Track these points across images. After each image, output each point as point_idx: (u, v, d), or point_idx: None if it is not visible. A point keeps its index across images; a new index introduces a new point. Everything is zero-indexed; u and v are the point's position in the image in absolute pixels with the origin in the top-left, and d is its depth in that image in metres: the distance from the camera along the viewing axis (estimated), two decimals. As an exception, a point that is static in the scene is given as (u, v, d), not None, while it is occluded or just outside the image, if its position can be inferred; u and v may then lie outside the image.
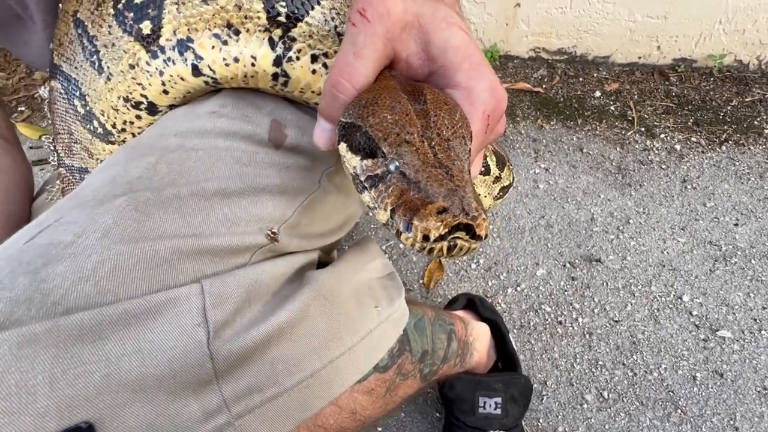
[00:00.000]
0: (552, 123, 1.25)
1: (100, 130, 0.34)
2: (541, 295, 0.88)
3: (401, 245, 0.99)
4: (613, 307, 0.86)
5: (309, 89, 0.32)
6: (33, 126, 1.52)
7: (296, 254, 0.29)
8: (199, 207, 0.25)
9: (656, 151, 1.14)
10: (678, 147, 1.15)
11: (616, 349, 0.81)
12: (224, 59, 0.30)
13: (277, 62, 0.30)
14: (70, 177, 0.40)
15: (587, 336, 0.82)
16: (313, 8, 0.29)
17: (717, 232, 0.96)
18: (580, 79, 1.36)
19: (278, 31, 0.29)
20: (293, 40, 0.30)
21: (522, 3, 1.30)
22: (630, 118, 1.23)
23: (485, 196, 0.42)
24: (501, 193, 0.46)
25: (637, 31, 1.29)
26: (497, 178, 0.42)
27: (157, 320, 0.21)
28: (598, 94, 1.31)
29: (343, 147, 0.22)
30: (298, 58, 0.30)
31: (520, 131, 1.23)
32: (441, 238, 0.17)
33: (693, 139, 1.16)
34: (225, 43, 0.29)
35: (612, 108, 1.27)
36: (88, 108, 0.34)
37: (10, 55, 1.81)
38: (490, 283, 0.91)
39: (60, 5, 0.31)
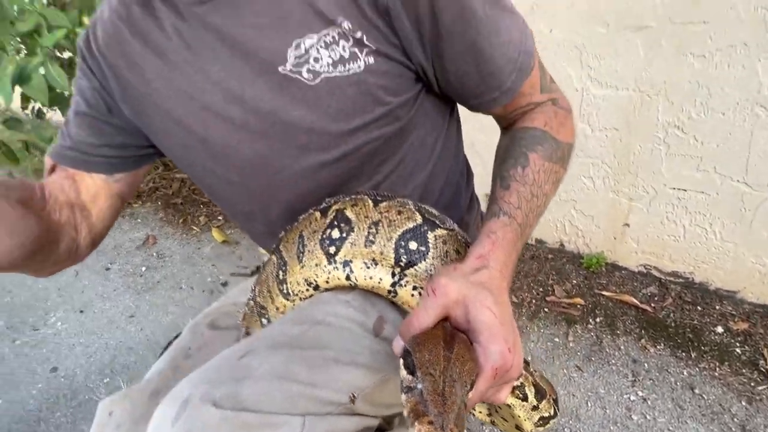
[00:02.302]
0: (658, 347, 1.18)
1: (285, 290, 0.58)
2: None
3: None
4: None
5: (407, 305, 0.50)
6: (222, 232, 2.12)
7: (364, 417, 0.43)
8: (320, 366, 0.42)
9: (800, 422, 0.95)
10: (834, 425, 0.94)
11: None
12: (365, 276, 0.51)
13: (393, 285, 0.50)
14: (254, 307, 0.64)
15: None
16: (420, 262, 0.49)
17: None
18: (698, 308, 1.29)
19: (398, 269, 0.50)
20: (405, 275, 0.50)
21: (631, 224, 1.41)
22: (763, 369, 1.08)
23: (524, 420, 0.49)
24: (541, 422, 0.53)
25: (771, 275, 1.23)
26: (535, 407, 0.50)
27: (274, 431, 0.37)
28: (720, 329, 1.21)
29: (401, 361, 0.37)
30: (404, 286, 0.50)
31: (619, 346, 1.19)
32: None
33: None
34: (368, 267, 0.51)
35: (738, 350, 1.14)
36: (284, 276, 0.58)
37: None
38: None
39: (295, 224, 0.59)
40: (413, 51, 0.47)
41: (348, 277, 0.53)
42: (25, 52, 1.38)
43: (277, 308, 0.60)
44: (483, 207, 0.71)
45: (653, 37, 1.12)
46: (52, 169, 0.59)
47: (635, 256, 1.43)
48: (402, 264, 0.50)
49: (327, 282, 0.54)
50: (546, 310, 1.35)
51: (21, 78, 1.27)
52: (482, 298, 0.38)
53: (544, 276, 1.48)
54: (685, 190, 1.25)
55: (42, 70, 1.34)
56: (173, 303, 1.61)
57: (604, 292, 1.38)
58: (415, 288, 0.50)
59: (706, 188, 1.21)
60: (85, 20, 1.35)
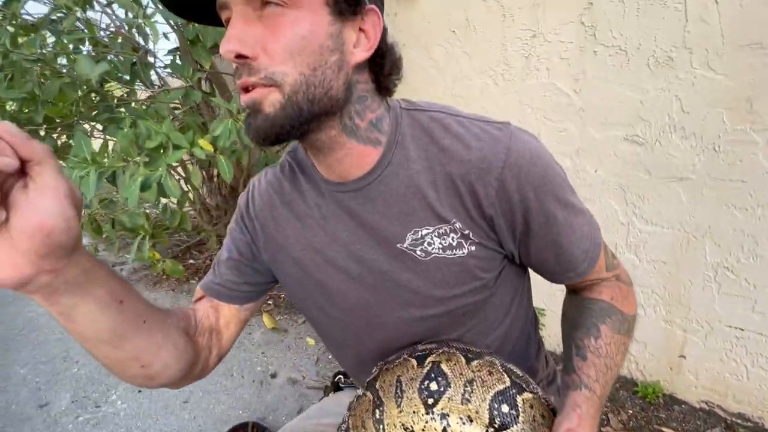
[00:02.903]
0: (734, 505, 1.09)
1: (381, 430, 0.66)
2: None
3: None
4: None
5: (500, 462, 0.56)
6: (272, 318, 2.22)
7: None
8: None
9: None
10: None
11: None
12: (460, 430, 0.59)
13: (488, 442, 0.57)
14: (348, 439, 0.71)
15: None
16: (512, 425, 0.57)
17: None
18: (774, 460, 1.20)
19: (491, 429, 0.57)
20: (498, 437, 0.57)
21: (687, 356, 1.39)
22: None
23: None
24: None
25: None
26: None
27: None
28: (803, 491, 1.11)
29: None
30: (498, 445, 0.57)
31: (689, 499, 1.11)
32: None
33: None
34: (464, 423, 0.59)
35: None
36: (381, 416, 0.66)
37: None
38: None
39: (388, 365, 0.68)
40: (506, 243, 0.60)
41: (444, 430, 0.60)
42: (147, 160, 1.69)
43: (373, 445, 0.67)
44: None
45: (694, 187, 1.24)
46: (200, 298, 0.73)
47: (695, 390, 1.39)
48: (496, 425, 0.58)
49: (423, 429, 0.62)
50: (602, 443, 1.30)
51: (143, 186, 1.55)
52: None
53: (597, 402, 1.44)
54: (743, 330, 1.25)
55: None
56: (224, 391, 1.67)
57: (664, 429, 1.32)
58: (507, 450, 0.56)
59: (765, 330, 1.22)
60: (199, 141, 1.66)
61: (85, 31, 1.72)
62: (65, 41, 1.81)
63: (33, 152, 0.31)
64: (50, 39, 2.00)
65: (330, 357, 1.84)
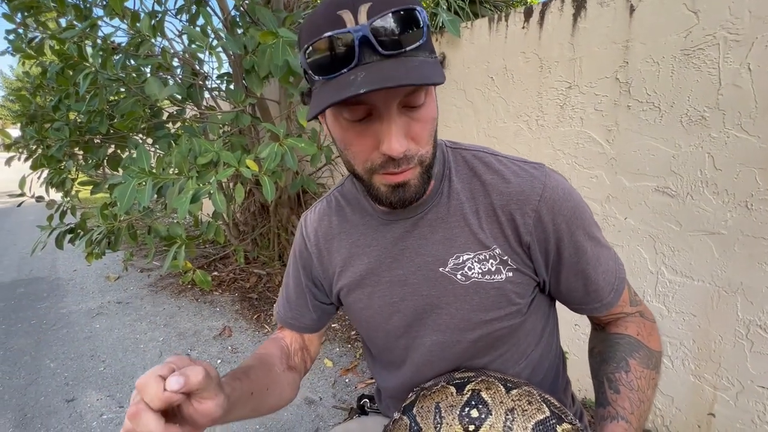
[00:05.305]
0: None
1: (418, 452, 0.69)
2: None
3: None
4: None
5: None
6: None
7: None
8: None
9: None
10: None
11: None
12: (499, 461, 0.61)
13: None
14: (387, 461, 0.74)
15: None
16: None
17: None
18: None
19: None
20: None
21: (717, 414, 1.35)
22: None
23: None
24: None
25: None
26: None
27: None
28: None
29: None
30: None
31: None
32: None
33: None
34: (503, 452, 0.62)
35: None
36: (419, 440, 0.69)
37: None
38: None
39: (425, 391, 0.72)
40: (540, 271, 0.64)
41: (483, 457, 0.63)
42: (197, 175, 1.81)
43: (410, 466, 0.70)
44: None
45: (726, 242, 1.26)
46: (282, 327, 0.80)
47: (726, 454, 1.34)
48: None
49: (459, 455, 0.65)
50: (625, 498, 1.25)
51: (193, 200, 1.66)
52: None
53: (620, 454, 1.40)
54: (776, 392, 1.23)
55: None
56: (243, 405, 1.69)
57: (691, 491, 1.27)
58: None
59: (799, 395, 1.19)
60: (247, 161, 1.78)
61: (160, 57, 1.91)
62: (139, 64, 2.00)
63: (196, 386, 0.41)
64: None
65: (347, 380, 1.85)
